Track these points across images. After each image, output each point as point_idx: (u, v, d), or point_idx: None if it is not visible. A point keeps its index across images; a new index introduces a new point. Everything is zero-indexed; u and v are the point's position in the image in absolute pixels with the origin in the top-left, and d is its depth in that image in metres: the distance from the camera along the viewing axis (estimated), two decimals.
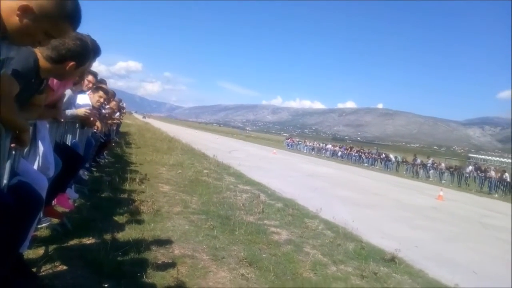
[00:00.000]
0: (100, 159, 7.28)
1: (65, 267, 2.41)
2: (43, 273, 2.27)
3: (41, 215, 2.79)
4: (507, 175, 21.98)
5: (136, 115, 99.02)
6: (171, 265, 2.80)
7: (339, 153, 34.80)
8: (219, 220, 4.39)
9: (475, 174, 24.13)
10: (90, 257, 2.57)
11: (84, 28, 1.66)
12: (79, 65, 2.01)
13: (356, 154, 32.91)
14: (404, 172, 27.05)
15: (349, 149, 35.28)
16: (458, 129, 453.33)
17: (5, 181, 1.73)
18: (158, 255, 2.96)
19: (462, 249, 5.83)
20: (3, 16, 1.21)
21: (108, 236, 3.08)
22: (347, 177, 16.36)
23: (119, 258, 2.68)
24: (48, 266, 2.35)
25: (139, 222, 3.69)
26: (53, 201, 3.33)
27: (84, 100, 4.37)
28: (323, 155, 35.48)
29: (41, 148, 2.47)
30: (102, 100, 5.01)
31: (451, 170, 25.57)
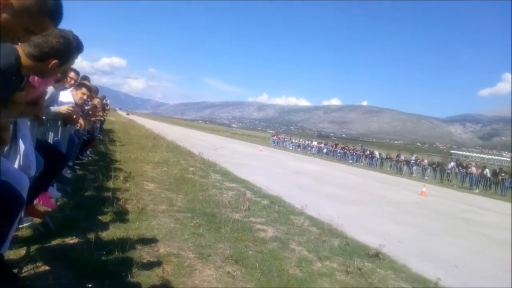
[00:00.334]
0: (83, 157, 7.17)
1: (47, 268, 2.37)
2: (25, 274, 2.23)
3: (22, 214, 2.74)
4: (487, 171, 22.61)
5: (120, 112, 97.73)
6: (157, 264, 2.78)
7: (325, 150, 35.06)
8: (205, 218, 4.38)
9: (456, 170, 24.65)
10: (74, 257, 2.53)
11: (67, 24, 1.62)
12: (62, 63, 1.97)
13: (341, 151, 33.23)
14: (388, 169, 27.45)
15: (334, 146, 35.59)
16: (440, 126, 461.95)
17: None
18: (143, 254, 2.94)
19: (444, 244, 5.96)
20: None
21: (91, 236, 3.04)
22: (332, 173, 16.53)
23: (103, 258, 2.65)
24: (30, 266, 2.31)
25: (124, 220, 3.66)
26: (35, 200, 3.27)
27: (67, 97, 4.31)
28: (308, 152, 35.69)
29: (22, 146, 2.42)
30: (85, 97, 4.95)
31: (433, 166, 26.09)
